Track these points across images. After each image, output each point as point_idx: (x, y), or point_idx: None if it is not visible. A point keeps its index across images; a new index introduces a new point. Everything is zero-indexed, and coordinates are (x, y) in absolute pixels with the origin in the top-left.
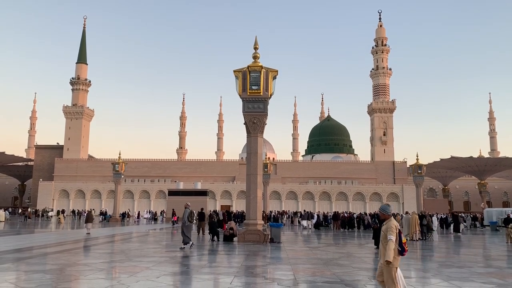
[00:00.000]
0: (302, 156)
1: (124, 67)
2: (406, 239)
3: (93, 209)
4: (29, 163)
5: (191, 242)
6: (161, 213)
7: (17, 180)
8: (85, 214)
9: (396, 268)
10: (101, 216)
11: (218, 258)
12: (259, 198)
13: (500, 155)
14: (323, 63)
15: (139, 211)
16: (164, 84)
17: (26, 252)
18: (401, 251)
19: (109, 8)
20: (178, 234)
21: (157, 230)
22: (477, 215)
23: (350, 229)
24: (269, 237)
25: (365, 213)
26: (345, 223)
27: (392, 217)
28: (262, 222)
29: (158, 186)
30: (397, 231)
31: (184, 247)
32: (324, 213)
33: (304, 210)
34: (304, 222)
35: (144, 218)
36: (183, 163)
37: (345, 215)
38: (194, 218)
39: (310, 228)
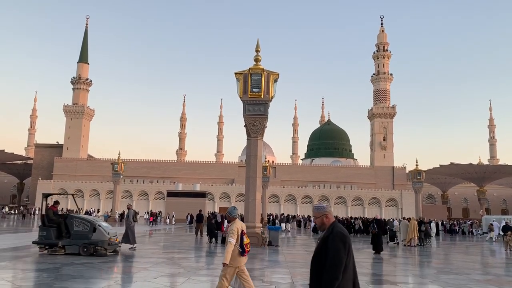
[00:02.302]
0: (302, 159)
1: (125, 67)
2: (400, 243)
3: (81, 209)
4: (29, 161)
5: (135, 245)
6: (158, 214)
7: (16, 178)
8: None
9: (238, 267)
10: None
11: (215, 260)
12: (258, 201)
13: (500, 163)
14: (324, 67)
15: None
16: (165, 85)
17: (23, 250)
18: (242, 252)
19: (111, 9)
20: (177, 235)
21: (155, 231)
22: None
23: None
24: (267, 240)
25: (357, 218)
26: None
27: (238, 219)
28: (261, 225)
29: (157, 187)
30: (240, 233)
31: (135, 247)
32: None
33: (282, 214)
34: (283, 225)
35: (145, 218)
36: (183, 164)
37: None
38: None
39: (289, 231)
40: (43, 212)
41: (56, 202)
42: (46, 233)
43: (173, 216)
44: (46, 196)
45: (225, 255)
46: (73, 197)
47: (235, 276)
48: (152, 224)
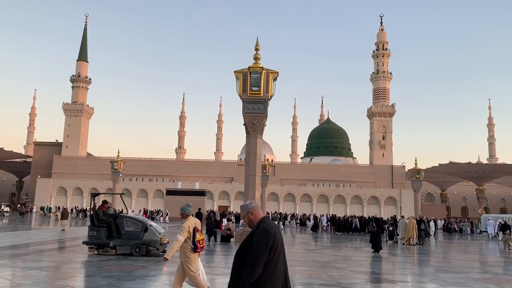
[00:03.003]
0: (301, 158)
1: (125, 65)
2: (399, 242)
3: (65, 207)
4: (28, 159)
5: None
6: (157, 212)
7: (15, 177)
8: (60, 211)
9: (194, 263)
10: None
11: (215, 259)
12: (257, 200)
13: (499, 162)
14: (324, 66)
15: (140, 210)
16: (164, 83)
17: (23, 248)
18: (194, 248)
19: (111, 7)
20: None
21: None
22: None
23: (341, 232)
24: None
25: (354, 217)
26: (340, 226)
27: (191, 216)
28: None
29: (156, 185)
30: (192, 230)
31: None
32: (321, 215)
33: (275, 212)
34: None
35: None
36: (182, 162)
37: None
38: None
39: (282, 229)
40: (92, 212)
41: (105, 202)
42: (96, 233)
43: (167, 214)
44: (94, 195)
45: (168, 251)
46: (121, 197)
47: (201, 270)
48: None
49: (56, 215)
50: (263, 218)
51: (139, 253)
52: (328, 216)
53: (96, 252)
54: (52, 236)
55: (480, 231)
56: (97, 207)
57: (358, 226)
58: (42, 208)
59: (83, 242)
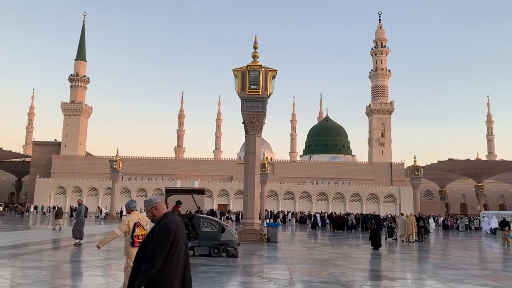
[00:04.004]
0: (300, 156)
1: (123, 64)
2: (398, 239)
3: (60, 206)
4: (27, 159)
5: (81, 241)
6: None
7: (14, 176)
8: (55, 210)
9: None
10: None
11: (214, 257)
12: (256, 198)
13: (498, 158)
14: (322, 64)
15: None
16: (163, 82)
17: (22, 248)
18: (132, 242)
19: (108, 6)
20: None
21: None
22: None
23: (337, 230)
24: (266, 236)
25: (349, 214)
26: (338, 224)
27: (135, 211)
28: (259, 221)
29: (156, 184)
30: (133, 225)
31: (80, 243)
32: (320, 213)
33: (266, 210)
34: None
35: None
36: (181, 161)
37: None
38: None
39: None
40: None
41: (179, 202)
42: None
43: None
44: (167, 196)
45: (101, 240)
46: (193, 197)
47: None
48: None
49: (44, 213)
50: (166, 214)
51: (217, 253)
52: (325, 213)
53: None
54: (51, 235)
55: (475, 227)
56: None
57: (354, 223)
58: (35, 208)
59: None
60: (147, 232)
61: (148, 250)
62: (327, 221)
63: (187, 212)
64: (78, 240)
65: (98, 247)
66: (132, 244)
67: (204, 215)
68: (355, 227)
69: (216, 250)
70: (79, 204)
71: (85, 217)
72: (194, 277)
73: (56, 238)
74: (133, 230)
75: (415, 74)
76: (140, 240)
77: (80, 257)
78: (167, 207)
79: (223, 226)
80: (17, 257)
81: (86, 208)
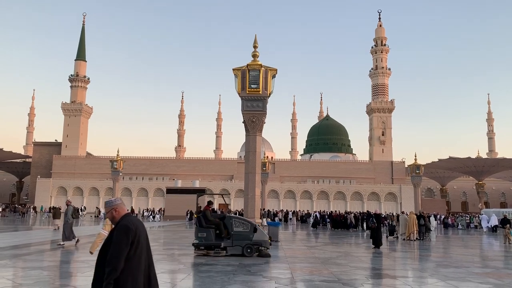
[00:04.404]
0: (301, 155)
1: (123, 64)
2: (400, 237)
3: (58, 206)
4: (27, 160)
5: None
6: (158, 211)
7: (15, 177)
8: (52, 210)
9: None
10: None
11: (216, 256)
12: (257, 197)
13: (498, 156)
14: (322, 63)
15: (143, 210)
16: (163, 82)
17: (23, 248)
18: None
19: (108, 6)
20: (176, 232)
21: (155, 228)
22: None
23: (336, 229)
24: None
25: (349, 213)
26: (337, 222)
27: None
28: (260, 221)
29: (156, 184)
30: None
31: (63, 244)
32: (320, 212)
33: (263, 208)
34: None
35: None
36: (182, 161)
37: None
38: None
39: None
40: (197, 213)
41: (210, 202)
42: (206, 234)
43: (157, 211)
44: (198, 196)
45: (92, 245)
46: (223, 197)
47: None
48: None
49: (42, 213)
50: (126, 215)
51: (250, 253)
52: (323, 212)
53: (205, 253)
54: (52, 236)
55: (474, 225)
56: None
57: (354, 222)
58: (34, 208)
59: (193, 244)
60: None
61: (109, 252)
62: (328, 220)
63: (188, 212)
64: (62, 242)
65: (91, 252)
66: None
67: (236, 215)
68: (354, 226)
69: (249, 250)
70: (67, 205)
71: (74, 217)
72: (196, 277)
73: (56, 238)
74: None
75: (415, 72)
76: None
77: (81, 257)
78: (199, 206)
79: (255, 226)
80: (18, 257)
81: (75, 209)
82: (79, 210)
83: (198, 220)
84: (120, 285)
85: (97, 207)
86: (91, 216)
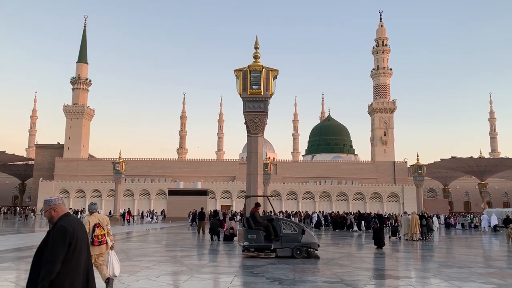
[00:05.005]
0: (303, 156)
1: (125, 66)
2: (402, 238)
3: (271, 211)
4: (30, 162)
5: None
6: (161, 212)
7: (18, 179)
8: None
9: (98, 255)
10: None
11: (218, 258)
12: (259, 198)
13: (501, 156)
14: (324, 63)
15: (142, 211)
16: (164, 84)
17: (26, 251)
18: (92, 242)
19: (109, 8)
20: (179, 233)
21: (158, 229)
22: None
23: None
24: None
25: (348, 213)
26: (337, 223)
27: (96, 212)
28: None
29: (159, 185)
30: (93, 225)
31: None
32: (322, 212)
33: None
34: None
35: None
36: (184, 162)
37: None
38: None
39: None
40: (246, 215)
41: (257, 204)
42: (256, 236)
43: (153, 213)
44: (247, 197)
45: None
46: (268, 199)
47: (111, 263)
48: (128, 223)
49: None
50: (64, 215)
51: (300, 255)
52: (324, 213)
53: (254, 255)
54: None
55: (474, 225)
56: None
57: (353, 222)
58: (33, 211)
59: (243, 246)
60: (107, 231)
61: (45, 253)
62: (329, 220)
63: (193, 211)
64: None
65: None
66: (92, 243)
67: (284, 218)
68: (352, 227)
69: (298, 252)
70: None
71: None
72: (193, 276)
73: None
74: (93, 230)
75: (416, 72)
76: (100, 240)
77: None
78: (246, 208)
79: (303, 228)
80: (21, 259)
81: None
82: (80, 212)
83: (247, 222)
84: (57, 287)
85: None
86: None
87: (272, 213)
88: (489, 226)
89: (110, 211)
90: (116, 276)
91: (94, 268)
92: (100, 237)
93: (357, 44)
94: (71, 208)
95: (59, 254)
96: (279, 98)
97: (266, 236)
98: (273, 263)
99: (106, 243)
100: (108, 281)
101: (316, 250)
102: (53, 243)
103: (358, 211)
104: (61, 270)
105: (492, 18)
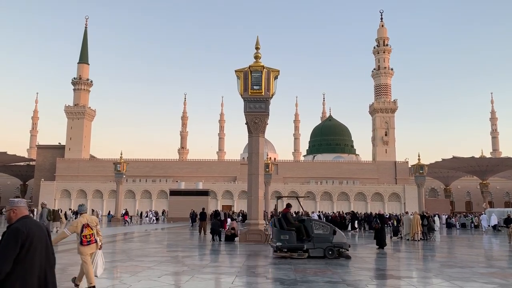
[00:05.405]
0: (304, 156)
1: (126, 67)
2: (404, 238)
3: (58, 209)
4: (31, 163)
5: None
6: (162, 213)
7: (19, 180)
8: (52, 213)
9: (91, 254)
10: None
11: (219, 258)
12: (260, 198)
13: (502, 155)
14: (325, 63)
15: (141, 212)
16: (165, 84)
17: None
18: (80, 241)
19: (110, 8)
20: (180, 234)
21: (159, 230)
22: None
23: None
24: (271, 237)
25: (347, 213)
26: (335, 223)
27: (85, 213)
28: (264, 222)
29: (160, 186)
30: (82, 226)
31: None
32: (324, 213)
33: (241, 210)
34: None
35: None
36: (185, 163)
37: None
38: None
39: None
40: (276, 215)
41: (289, 205)
42: (289, 237)
43: (152, 213)
44: (278, 198)
45: (53, 239)
46: (297, 199)
47: (96, 262)
48: (126, 224)
49: (60, 218)
50: (23, 217)
51: (332, 255)
52: (323, 213)
53: (287, 255)
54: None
55: (474, 225)
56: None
57: (347, 223)
58: (32, 212)
59: (276, 247)
60: (96, 231)
61: None
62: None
63: (192, 212)
64: None
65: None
66: (81, 243)
67: (315, 218)
68: (347, 227)
69: (330, 252)
70: (42, 208)
71: (49, 220)
72: (195, 276)
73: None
74: (82, 231)
75: (418, 72)
76: (88, 239)
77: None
78: (277, 209)
79: (334, 229)
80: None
81: (50, 211)
82: (61, 212)
83: (279, 223)
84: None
85: (93, 210)
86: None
87: (302, 214)
88: (489, 225)
89: (109, 211)
90: (97, 276)
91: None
92: (88, 237)
93: (358, 44)
94: (70, 209)
95: (10, 254)
96: (280, 98)
97: (297, 236)
98: (274, 263)
99: (96, 242)
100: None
101: (347, 250)
102: (4, 243)
103: (352, 211)
104: (13, 271)
105: (493, 17)
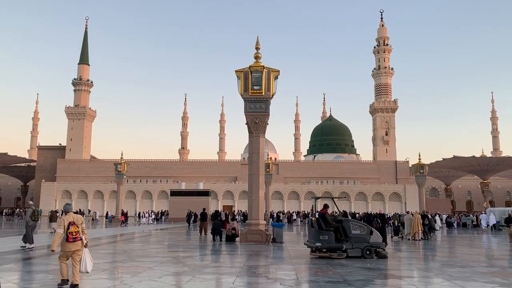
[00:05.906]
0: (304, 156)
1: (126, 67)
2: (404, 237)
3: (55, 210)
4: (32, 163)
5: (32, 245)
6: (163, 213)
7: (20, 181)
8: (49, 213)
9: (76, 251)
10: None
11: (220, 258)
12: (261, 198)
13: (503, 155)
14: (325, 63)
15: (140, 212)
16: (166, 85)
17: (28, 252)
18: (66, 238)
19: (111, 9)
20: (180, 234)
21: (159, 230)
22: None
23: None
24: (271, 237)
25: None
26: None
27: (70, 212)
28: (264, 222)
29: (160, 186)
30: (68, 224)
31: (25, 246)
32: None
33: (240, 210)
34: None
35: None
36: (185, 163)
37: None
38: (38, 217)
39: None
40: (316, 216)
41: (326, 206)
42: (328, 237)
43: (149, 212)
44: (316, 199)
45: (52, 243)
46: (333, 200)
47: (84, 259)
48: (123, 224)
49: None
50: None
51: (370, 255)
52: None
53: (326, 255)
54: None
55: (473, 225)
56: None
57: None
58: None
59: (316, 247)
60: (81, 230)
61: None
62: None
63: (189, 212)
64: (25, 245)
65: (52, 250)
66: (67, 239)
67: (352, 219)
68: None
69: (368, 252)
70: (27, 207)
71: (35, 220)
72: (196, 277)
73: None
74: (68, 228)
75: (418, 72)
76: (74, 236)
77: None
78: (314, 209)
79: (371, 229)
80: (23, 261)
81: (35, 211)
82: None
83: (318, 223)
84: None
85: (89, 210)
86: (93, 219)
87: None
88: (488, 225)
89: (107, 212)
90: (88, 272)
91: (70, 263)
92: (74, 234)
93: (358, 44)
94: (337, 212)
95: None
96: (280, 98)
97: (335, 237)
98: (276, 263)
99: (81, 239)
100: (65, 284)
101: (384, 250)
102: None
103: (344, 210)
104: None
105: (493, 17)
